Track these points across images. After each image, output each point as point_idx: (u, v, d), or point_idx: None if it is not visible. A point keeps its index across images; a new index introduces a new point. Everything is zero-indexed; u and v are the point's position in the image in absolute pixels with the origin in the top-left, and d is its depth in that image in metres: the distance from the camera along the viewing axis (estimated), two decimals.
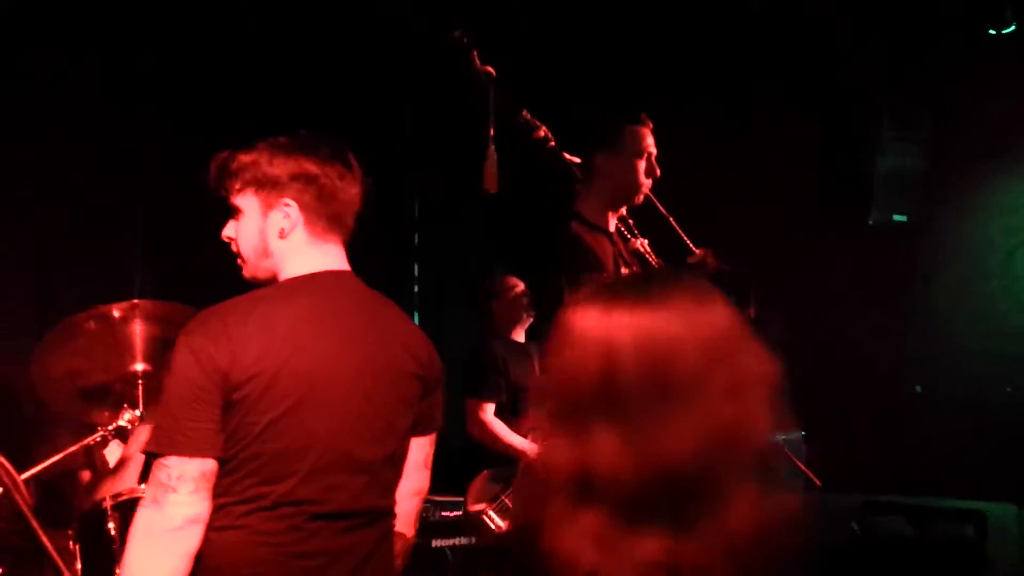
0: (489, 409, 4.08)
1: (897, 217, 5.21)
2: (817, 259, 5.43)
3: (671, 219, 3.01)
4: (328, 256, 1.89)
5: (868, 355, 5.55)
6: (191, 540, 1.64)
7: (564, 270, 2.64)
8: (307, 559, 1.71)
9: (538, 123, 2.88)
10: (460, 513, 4.31)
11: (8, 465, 1.29)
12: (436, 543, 4.53)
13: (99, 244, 3.70)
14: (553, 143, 2.89)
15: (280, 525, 1.70)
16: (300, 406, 1.72)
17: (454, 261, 5.32)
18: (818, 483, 3.36)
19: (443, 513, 4.56)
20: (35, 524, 1.25)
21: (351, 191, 1.92)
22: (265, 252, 1.87)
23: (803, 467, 3.52)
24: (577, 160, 2.92)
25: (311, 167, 1.84)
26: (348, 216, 1.93)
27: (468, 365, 4.30)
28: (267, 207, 1.85)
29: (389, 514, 1.88)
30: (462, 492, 4.18)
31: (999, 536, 5.12)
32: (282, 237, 1.85)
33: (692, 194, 3.74)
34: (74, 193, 3.67)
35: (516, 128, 2.86)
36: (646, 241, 3.06)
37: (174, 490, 1.62)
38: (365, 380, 1.81)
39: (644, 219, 3.07)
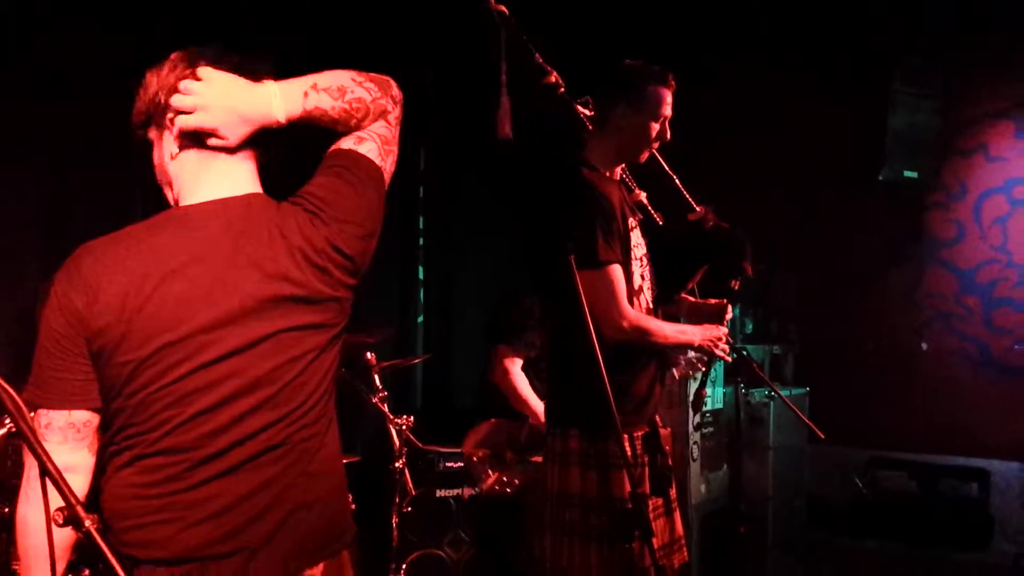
0: (518, 362, 4.05)
1: (908, 173, 5.17)
2: (827, 216, 5.41)
3: (674, 176, 2.98)
4: (224, 176, 1.68)
5: (875, 312, 5.54)
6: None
7: (574, 219, 2.62)
8: (197, 508, 1.57)
9: (549, 68, 2.84)
10: (463, 464, 4.34)
11: (10, 390, 1.28)
12: (440, 493, 4.59)
13: (108, 182, 3.64)
14: (563, 90, 2.85)
15: (157, 475, 1.58)
16: (163, 354, 1.57)
17: (461, 216, 5.31)
18: (822, 436, 3.35)
19: (447, 464, 4.61)
20: (41, 452, 1.24)
21: None
22: (167, 180, 1.73)
23: (807, 420, 3.51)
24: (588, 112, 2.89)
25: (175, 84, 1.64)
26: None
27: (501, 314, 4.25)
28: (160, 131, 1.70)
29: (304, 446, 1.66)
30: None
31: (1003, 494, 5.16)
32: (173, 159, 1.69)
33: (697, 150, 3.71)
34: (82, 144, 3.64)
35: (527, 72, 2.83)
36: (644, 194, 3.04)
37: (44, 439, 1.56)
38: (250, 320, 1.61)
39: (644, 175, 3.04)
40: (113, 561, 1.15)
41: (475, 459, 3.98)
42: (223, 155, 1.67)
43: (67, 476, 1.45)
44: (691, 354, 4.09)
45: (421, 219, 5.25)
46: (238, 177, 1.69)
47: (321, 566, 1.66)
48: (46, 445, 1.50)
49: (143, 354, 1.57)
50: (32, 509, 1.58)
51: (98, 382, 1.60)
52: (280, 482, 1.63)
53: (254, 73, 1.67)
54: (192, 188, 1.68)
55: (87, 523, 1.17)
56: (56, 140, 3.54)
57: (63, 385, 1.57)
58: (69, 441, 1.58)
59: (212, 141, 1.65)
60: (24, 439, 1.29)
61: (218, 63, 1.66)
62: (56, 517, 1.19)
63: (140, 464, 1.59)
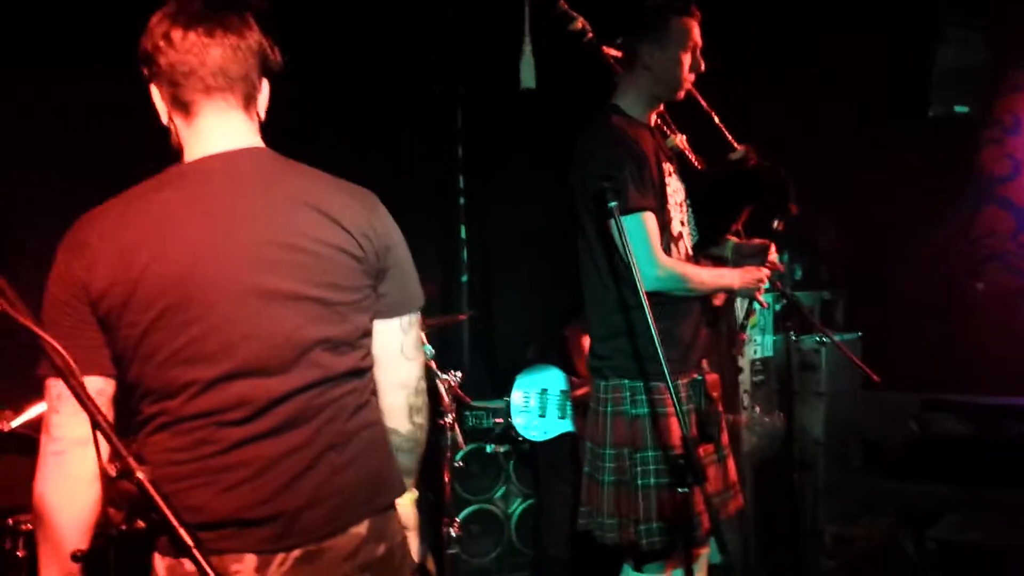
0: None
1: (959, 108, 5.01)
2: (875, 155, 5.28)
3: (714, 115, 2.91)
4: (220, 131, 1.64)
5: (928, 252, 5.42)
6: (78, 462, 1.54)
7: (605, 167, 2.57)
8: (232, 471, 1.55)
9: (575, 14, 2.80)
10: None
11: (60, 348, 1.30)
12: (490, 449, 4.63)
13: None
14: (592, 35, 2.81)
15: (186, 440, 1.55)
16: (172, 314, 1.53)
17: (500, 168, 5.27)
18: (876, 379, 3.31)
19: (496, 419, 4.64)
20: (92, 405, 1.26)
21: (215, 48, 1.60)
22: (174, 135, 1.69)
23: (860, 363, 3.47)
24: (617, 54, 2.84)
25: (155, 38, 1.60)
26: (225, 76, 1.62)
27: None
28: (152, 89, 1.68)
29: (337, 403, 1.64)
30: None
31: None
32: (169, 120, 1.67)
33: (737, 89, 3.63)
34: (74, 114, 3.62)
35: (553, 19, 2.79)
36: (685, 137, 2.98)
37: (56, 411, 1.55)
38: (260, 275, 1.57)
39: (683, 114, 2.98)
40: (166, 511, 1.16)
41: (522, 395, 4.03)
42: (213, 112, 1.63)
43: (79, 451, 1.52)
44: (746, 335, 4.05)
45: (461, 178, 5.23)
46: (234, 130, 1.65)
47: (366, 523, 1.66)
48: (55, 418, 1.54)
49: (151, 316, 1.53)
50: (49, 487, 1.55)
51: (110, 348, 1.57)
52: (316, 443, 1.61)
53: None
54: (190, 144, 1.65)
55: (139, 473, 1.18)
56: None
57: (71, 353, 1.45)
58: (84, 411, 1.51)
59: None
60: (77, 397, 1.30)
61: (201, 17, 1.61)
62: (109, 468, 1.21)
63: (169, 430, 1.57)
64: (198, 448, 1.56)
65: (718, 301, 3.77)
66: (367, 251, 1.65)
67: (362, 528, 1.65)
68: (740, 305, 3.99)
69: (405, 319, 1.75)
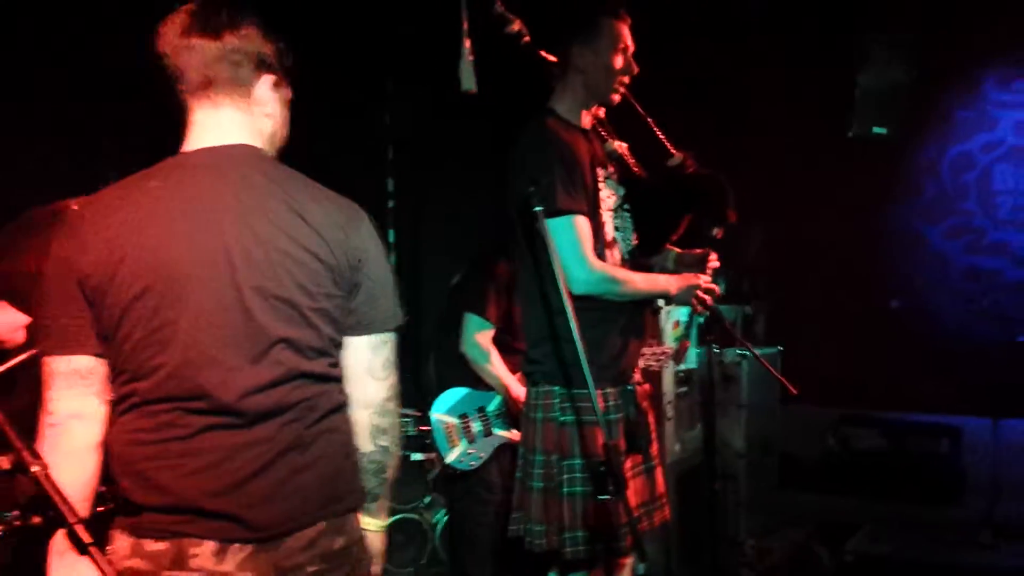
0: (488, 334, 3.89)
1: (877, 129, 5.16)
2: (797, 174, 5.39)
3: (650, 121, 2.92)
4: (213, 127, 1.73)
5: (846, 269, 5.55)
6: (72, 436, 1.61)
7: (536, 170, 2.55)
8: (193, 457, 1.60)
9: (512, 16, 2.77)
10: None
11: None
12: (415, 457, 4.56)
13: (69, 142, 3.57)
14: (528, 38, 2.79)
15: (152, 422, 1.61)
16: (148, 297, 1.60)
17: (430, 171, 5.23)
18: (794, 391, 3.34)
19: (420, 428, 4.57)
20: None
21: (204, 47, 1.70)
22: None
23: (779, 376, 3.50)
24: (553, 59, 2.83)
25: (156, 45, 1.73)
26: (208, 74, 1.72)
27: (472, 279, 4.12)
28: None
29: (310, 411, 1.68)
30: None
31: (973, 450, 5.21)
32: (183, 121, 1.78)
33: (672, 100, 3.65)
34: (46, 90, 3.54)
35: (490, 21, 2.76)
36: (625, 145, 2.97)
37: (49, 387, 1.62)
38: (234, 266, 1.63)
39: (619, 119, 2.98)
40: (63, 507, 1.09)
41: (443, 427, 3.91)
42: (203, 109, 1.73)
43: (73, 423, 1.60)
44: (665, 345, 4.06)
45: (390, 181, 5.17)
46: (224, 127, 1.73)
47: (320, 526, 1.68)
48: (50, 393, 1.61)
49: (128, 296, 1.60)
50: (48, 459, 1.51)
51: (96, 329, 1.63)
52: (277, 441, 1.65)
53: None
54: (186, 139, 1.75)
55: (34, 468, 1.11)
56: None
57: (61, 332, 1.61)
58: (75, 387, 1.60)
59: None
60: None
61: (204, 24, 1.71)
62: (3, 463, 1.14)
63: (138, 411, 1.62)
64: (163, 431, 1.61)
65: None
66: (339, 261, 1.69)
67: (319, 528, 1.69)
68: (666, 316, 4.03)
69: (375, 338, 1.76)
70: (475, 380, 3.94)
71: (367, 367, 1.75)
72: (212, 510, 1.60)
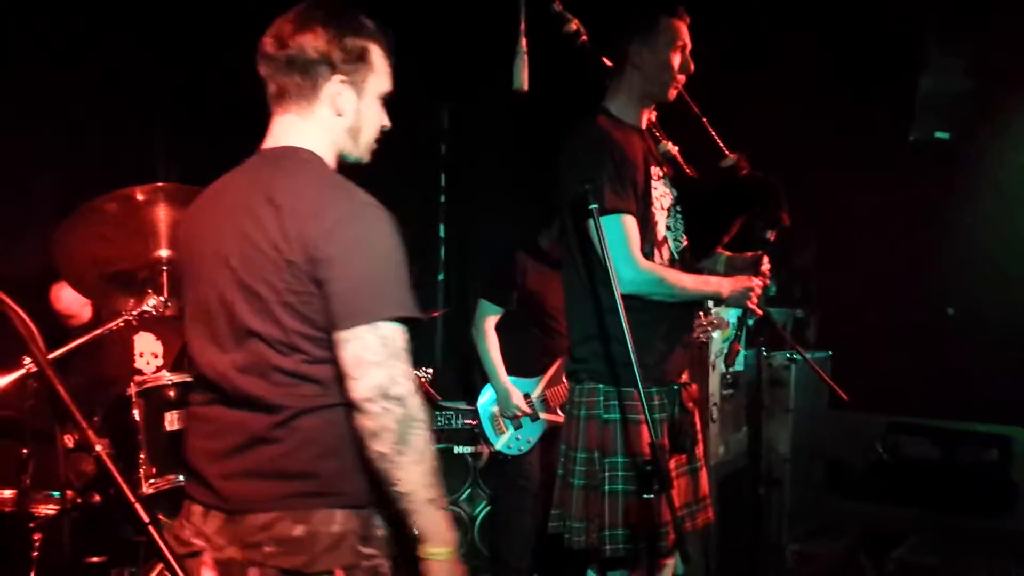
0: (492, 320, 4.02)
1: (939, 134, 5.06)
2: (855, 178, 5.31)
3: (704, 120, 2.90)
4: (273, 131, 1.86)
5: (901, 275, 5.46)
6: None
7: (586, 168, 2.56)
8: (197, 425, 1.84)
9: (570, 16, 2.78)
10: (478, 422, 4.33)
11: (24, 315, 1.27)
12: (457, 450, 4.61)
13: (126, 128, 3.66)
14: (585, 37, 2.80)
15: (193, 387, 1.90)
16: (183, 278, 1.86)
17: (486, 169, 5.24)
18: (845, 397, 3.31)
19: (465, 421, 4.62)
20: (51, 374, 1.23)
21: (268, 60, 1.83)
22: None
23: (830, 380, 3.47)
24: (609, 63, 2.84)
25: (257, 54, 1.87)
26: (278, 83, 1.83)
27: (488, 266, 4.29)
28: None
29: (279, 407, 1.73)
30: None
31: None
32: None
33: (729, 101, 3.64)
34: (100, 77, 3.63)
35: (548, 21, 2.77)
36: (677, 147, 2.97)
37: None
38: (225, 261, 1.75)
39: (676, 123, 2.98)
40: (123, 486, 1.13)
41: (490, 416, 3.99)
42: (276, 115, 1.85)
43: None
44: (714, 313, 4.05)
45: (443, 176, 5.21)
46: (284, 130, 1.83)
47: (276, 513, 1.71)
48: None
49: (178, 277, 1.86)
50: None
51: None
52: (251, 428, 1.74)
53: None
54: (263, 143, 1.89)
55: (98, 447, 1.15)
56: None
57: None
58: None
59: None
60: (37, 364, 1.28)
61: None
62: (67, 440, 1.18)
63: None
64: (191, 398, 1.87)
65: (696, 334, 3.78)
66: (299, 256, 1.69)
67: (269, 516, 1.72)
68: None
69: (341, 334, 1.69)
70: (517, 369, 4.01)
71: (342, 365, 1.70)
72: (203, 475, 1.77)
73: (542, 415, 3.93)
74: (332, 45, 1.80)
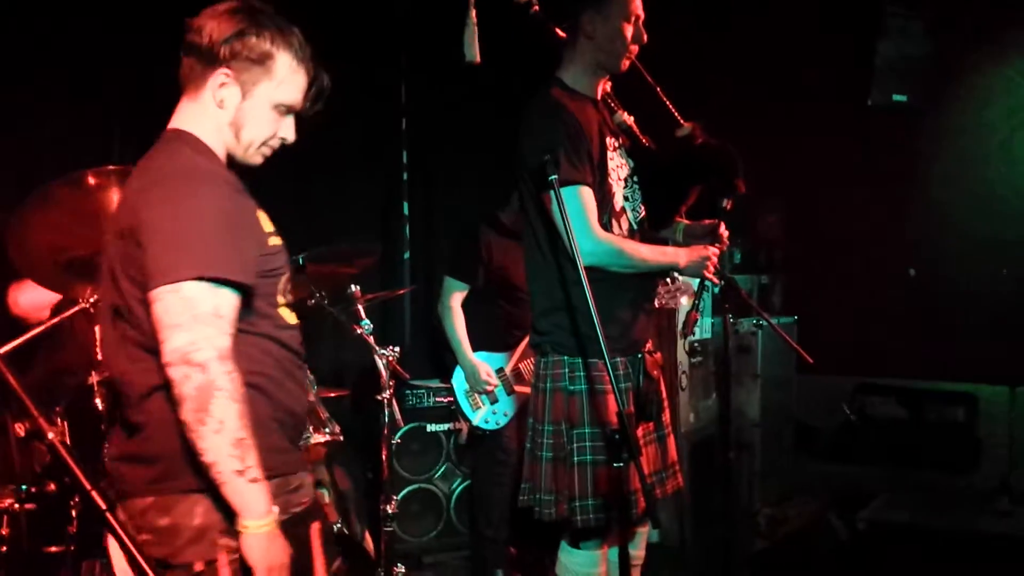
0: (458, 297, 4.02)
1: (897, 97, 5.10)
2: (815, 142, 5.35)
3: (659, 89, 2.89)
4: (173, 116, 1.89)
5: (863, 238, 5.52)
6: None
7: (541, 140, 2.55)
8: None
9: None
10: (453, 400, 4.33)
11: None
12: (431, 428, 4.61)
13: (77, 111, 3.59)
14: (537, 7, 2.78)
15: None
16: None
17: (443, 143, 5.22)
18: (811, 361, 3.34)
19: (437, 398, 4.62)
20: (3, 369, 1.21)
21: (184, 42, 1.84)
22: None
23: (796, 345, 3.50)
24: (562, 34, 2.82)
25: None
26: (184, 64, 1.85)
27: (452, 244, 4.29)
28: None
29: (136, 384, 1.74)
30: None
31: (990, 418, 5.19)
32: None
33: (683, 69, 3.64)
34: (53, 59, 3.57)
35: None
36: (632, 118, 2.96)
37: None
38: (108, 243, 1.81)
39: (629, 92, 2.96)
40: (77, 472, 1.12)
41: (465, 392, 4.00)
42: (183, 91, 1.86)
43: None
44: (679, 281, 4.07)
45: (404, 153, 5.17)
46: (178, 112, 1.87)
47: (148, 500, 1.72)
48: None
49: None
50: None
51: None
52: (123, 408, 1.79)
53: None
54: None
55: (50, 435, 1.14)
56: None
57: None
58: None
59: None
60: None
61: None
62: (18, 430, 1.17)
63: None
64: None
65: (658, 303, 3.80)
66: (127, 224, 1.72)
67: (146, 501, 1.72)
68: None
69: (150, 295, 1.66)
70: (487, 344, 4.01)
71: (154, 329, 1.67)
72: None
73: (516, 388, 3.94)
74: (231, 39, 1.79)
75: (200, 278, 1.63)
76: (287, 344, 1.85)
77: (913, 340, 5.30)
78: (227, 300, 1.66)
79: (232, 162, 1.89)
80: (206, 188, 1.71)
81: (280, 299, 1.86)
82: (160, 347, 1.63)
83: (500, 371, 3.96)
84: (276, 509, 1.69)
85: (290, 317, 1.89)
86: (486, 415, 3.94)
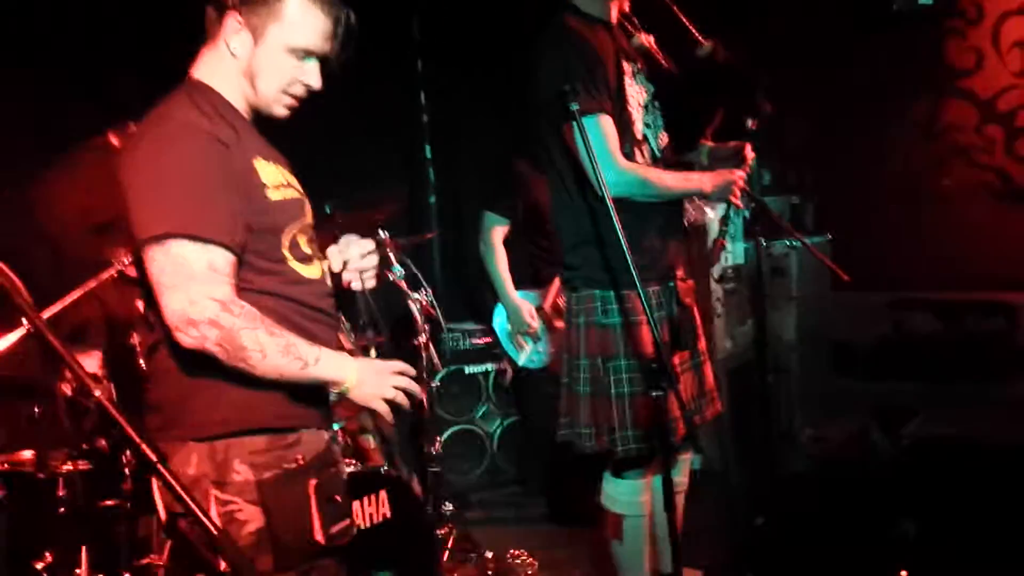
0: (500, 232, 3.97)
1: (921, 1, 4.94)
2: (838, 52, 5.21)
3: (675, 8, 2.81)
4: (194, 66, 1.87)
5: (894, 150, 5.41)
6: None
7: (558, 70, 2.50)
8: None
9: None
10: (491, 340, 4.35)
11: (5, 267, 1.27)
12: (469, 370, 4.65)
13: (98, 76, 3.58)
14: None
15: None
16: None
17: (464, 80, 5.15)
18: (847, 279, 3.31)
19: (473, 340, 4.64)
20: (39, 323, 1.22)
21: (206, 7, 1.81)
22: None
23: (831, 263, 3.46)
24: None
25: None
26: (205, 14, 1.82)
27: (488, 178, 4.23)
28: None
29: (147, 337, 1.79)
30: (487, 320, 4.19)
31: None
32: None
33: None
34: (74, 27, 3.56)
35: None
36: (652, 37, 2.88)
37: None
38: None
39: (648, 14, 2.89)
40: (126, 425, 1.14)
41: (508, 334, 4.01)
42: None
43: None
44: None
45: (422, 95, 5.12)
46: (198, 61, 1.84)
47: (174, 446, 1.72)
48: None
49: None
50: None
51: None
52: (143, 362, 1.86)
53: None
54: None
55: (96, 392, 1.16)
56: None
57: None
58: None
59: None
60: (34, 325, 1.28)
61: None
62: (65, 390, 1.19)
63: None
64: None
65: (687, 220, 3.75)
66: (123, 180, 1.69)
67: (175, 447, 1.72)
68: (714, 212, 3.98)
69: (143, 255, 1.66)
70: (524, 281, 4.01)
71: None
72: None
73: (556, 324, 3.94)
74: None
75: (178, 235, 1.61)
76: (296, 298, 1.80)
77: (950, 253, 5.23)
78: (220, 255, 1.64)
79: (259, 116, 1.84)
80: (182, 143, 1.66)
81: (287, 253, 1.79)
82: (160, 308, 1.62)
83: (539, 309, 3.96)
84: (352, 377, 1.74)
85: (308, 271, 1.83)
86: (531, 355, 3.96)
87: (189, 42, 1.85)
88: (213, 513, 1.67)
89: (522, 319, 3.90)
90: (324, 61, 1.82)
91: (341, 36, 1.82)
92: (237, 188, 1.70)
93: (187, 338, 1.61)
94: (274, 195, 1.77)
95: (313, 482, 1.77)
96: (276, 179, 1.80)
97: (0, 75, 3.32)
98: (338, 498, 1.81)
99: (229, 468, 1.70)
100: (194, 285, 1.60)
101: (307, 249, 1.84)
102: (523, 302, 3.92)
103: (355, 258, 1.91)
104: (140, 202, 1.64)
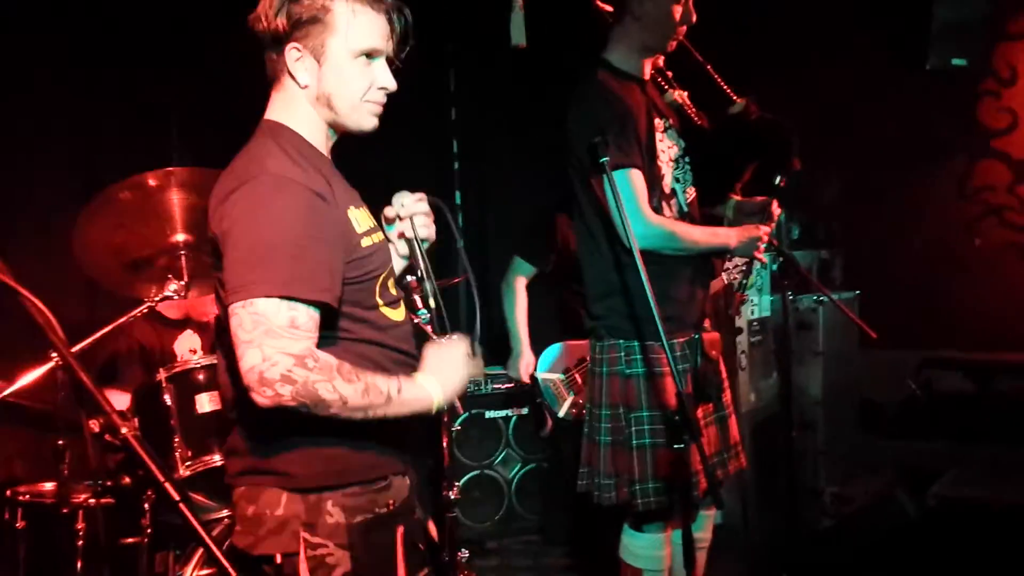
0: (523, 279, 3.99)
1: (956, 61, 4.95)
2: (873, 110, 5.22)
3: (708, 67, 2.84)
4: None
5: (924, 208, 5.39)
6: None
7: (590, 124, 2.53)
8: None
9: None
10: (512, 385, 4.33)
11: (40, 304, 1.28)
12: (490, 415, 4.63)
13: (136, 114, 3.65)
14: None
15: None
16: None
17: (496, 136, 5.20)
18: (874, 335, 3.28)
19: (495, 385, 4.63)
20: (71, 359, 1.24)
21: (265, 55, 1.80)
22: None
23: (858, 320, 3.45)
24: (608, 8, 2.79)
25: None
26: (265, 59, 1.80)
27: (525, 225, 4.26)
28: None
29: (227, 385, 1.81)
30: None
31: None
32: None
33: (731, 39, 3.58)
34: (110, 62, 3.65)
35: None
36: (686, 93, 2.92)
37: None
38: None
39: (681, 71, 2.92)
40: (151, 464, 1.15)
41: (550, 384, 4.00)
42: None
43: None
44: (737, 260, 4.02)
45: (455, 142, 5.17)
46: (269, 105, 1.80)
47: (241, 490, 1.77)
48: None
49: None
50: None
51: None
52: (229, 406, 1.83)
53: None
54: None
55: (124, 430, 1.17)
56: None
57: None
58: None
59: None
60: (62, 357, 1.29)
61: None
62: (92, 426, 1.20)
63: None
64: None
65: (724, 280, 3.75)
66: (210, 232, 1.69)
67: (239, 491, 1.78)
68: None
69: (229, 309, 1.62)
70: (563, 334, 4.01)
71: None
72: None
73: None
74: (282, 8, 1.70)
75: (272, 297, 1.58)
76: (389, 344, 1.78)
77: (980, 312, 5.17)
78: (304, 312, 1.60)
79: (349, 136, 1.82)
80: (284, 198, 1.62)
81: (379, 299, 1.77)
82: (238, 364, 1.59)
83: (583, 360, 3.95)
84: (436, 390, 1.74)
85: (394, 314, 1.82)
86: (571, 406, 3.94)
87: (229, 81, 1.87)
88: (301, 556, 1.66)
89: (517, 366, 3.93)
90: (390, 62, 1.80)
91: (399, 30, 1.79)
92: (336, 243, 1.68)
93: (262, 399, 1.57)
94: (366, 242, 1.76)
95: (401, 529, 1.77)
96: (366, 224, 1.80)
97: (42, 112, 3.41)
98: (421, 546, 1.82)
99: (322, 510, 1.69)
100: (269, 341, 1.56)
101: (393, 291, 1.84)
102: (527, 353, 3.94)
103: (409, 203, 1.91)
104: (237, 265, 1.61)
